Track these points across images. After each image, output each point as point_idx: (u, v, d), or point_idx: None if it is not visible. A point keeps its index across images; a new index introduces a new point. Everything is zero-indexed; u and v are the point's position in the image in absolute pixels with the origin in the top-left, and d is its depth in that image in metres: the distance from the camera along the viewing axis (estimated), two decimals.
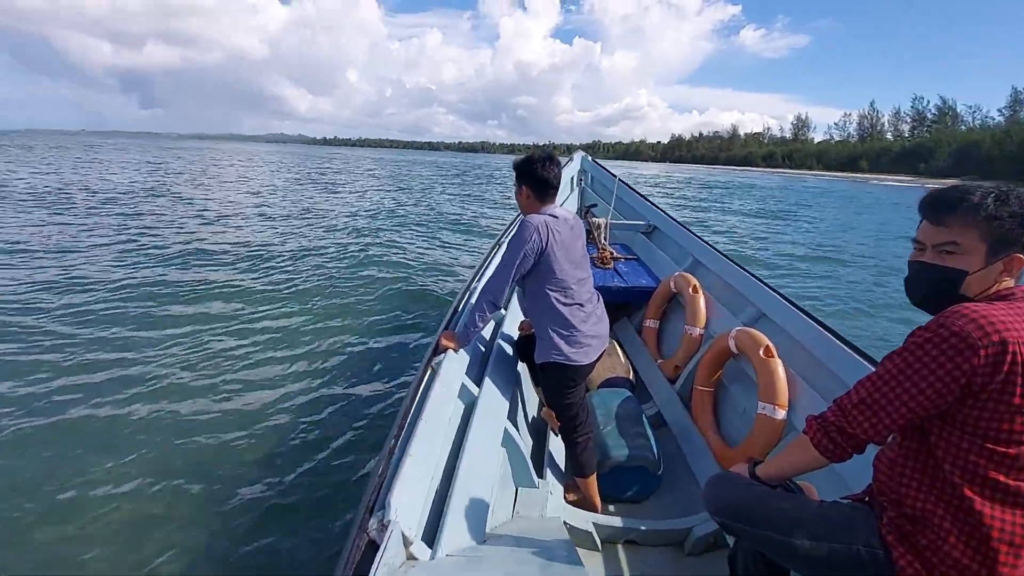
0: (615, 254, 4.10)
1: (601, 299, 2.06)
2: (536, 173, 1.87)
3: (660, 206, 4.45)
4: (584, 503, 2.04)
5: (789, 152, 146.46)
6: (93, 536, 2.22)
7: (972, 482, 0.93)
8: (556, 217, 1.88)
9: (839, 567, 1.06)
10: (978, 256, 0.98)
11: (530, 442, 2.31)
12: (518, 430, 2.09)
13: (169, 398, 3.30)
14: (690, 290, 3.06)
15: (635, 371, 3.09)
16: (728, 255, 3.27)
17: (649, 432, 2.30)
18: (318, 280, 6.35)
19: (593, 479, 2.03)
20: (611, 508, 2.13)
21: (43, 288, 5.32)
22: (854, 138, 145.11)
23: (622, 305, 3.77)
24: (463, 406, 1.84)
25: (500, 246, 3.07)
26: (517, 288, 1.98)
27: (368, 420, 3.21)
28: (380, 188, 21.87)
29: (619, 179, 4.89)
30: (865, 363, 1.84)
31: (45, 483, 2.50)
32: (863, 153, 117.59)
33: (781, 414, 2.02)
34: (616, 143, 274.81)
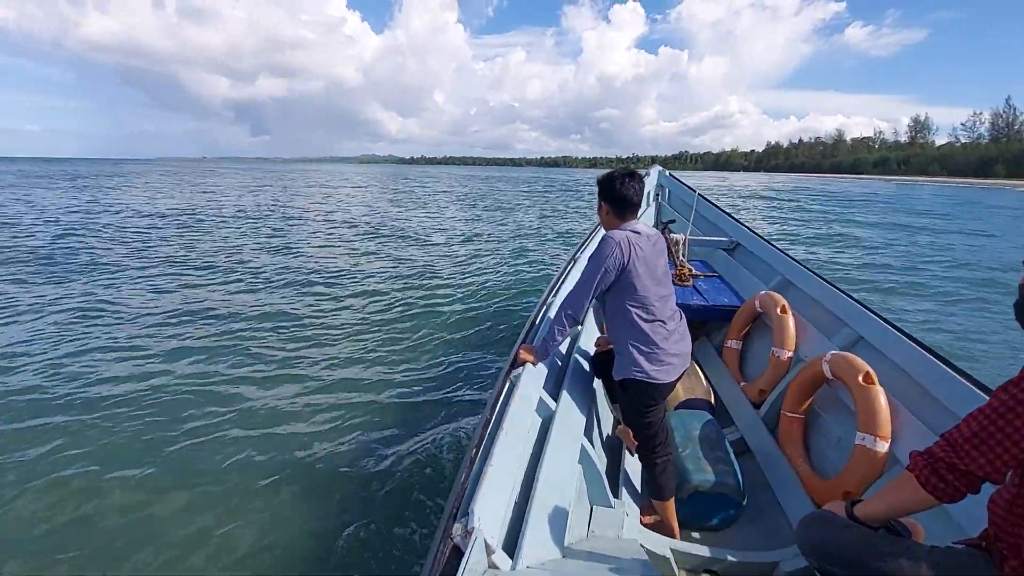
0: (694, 271, 3.98)
1: (684, 317, 2.01)
2: (615, 190, 1.87)
3: (744, 222, 4.27)
4: (661, 527, 1.99)
5: (905, 157, 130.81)
6: (189, 531, 2.48)
7: None
8: (638, 233, 1.86)
9: None
10: None
11: (605, 460, 2.30)
12: (593, 447, 2.09)
13: (262, 404, 3.68)
14: (778, 310, 2.91)
15: (715, 393, 2.97)
16: (821, 274, 3.07)
17: (732, 458, 2.21)
18: (399, 293, 6.78)
19: (671, 503, 1.98)
20: (690, 535, 2.06)
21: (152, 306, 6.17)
22: (984, 139, 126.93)
23: (701, 324, 3.64)
24: (540, 420, 1.88)
25: (576, 260, 3.10)
26: (595, 303, 1.99)
27: (446, 428, 3.37)
28: (462, 204, 22.78)
29: (699, 194, 4.76)
30: (979, 392, 1.68)
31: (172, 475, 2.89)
32: (998, 156, 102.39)
33: (883, 446, 1.87)
34: (704, 153, 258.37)
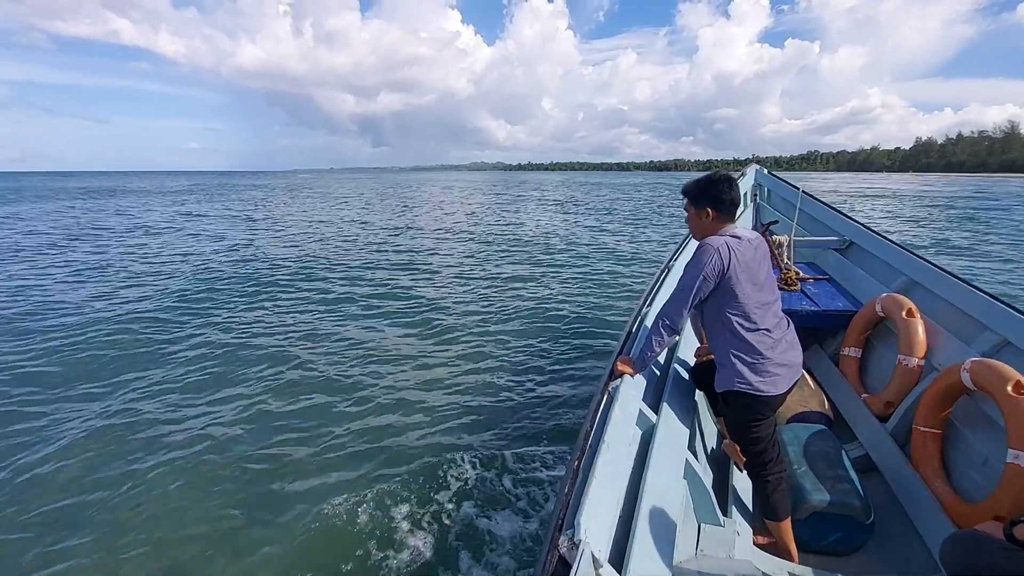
0: (801, 274, 3.73)
1: (792, 324, 1.90)
2: (723, 193, 1.83)
3: (858, 219, 3.92)
4: (776, 549, 1.91)
5: None
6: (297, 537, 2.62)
7: None
8: (739, 238, 1.78)
9: None
10: None
11: (711, 476, 2.25)
12: (699, 462, 2.05)
13: (365, 411, 3.95)
14: (904, 314, 2.66)
15: (832, 405, 2.77)
16: (953, 272, 2.75)
17: (853, 475, 2.07)
18: (495, 303, 7.00)
19: (788, 524, 1.90)
20: (810, 559, 1.95)
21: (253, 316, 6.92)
22: None
23: (812, 331, 3.40)
24: (640, 433, 1.87)
25: (669, 269, 3.06)
26: (693, 313, 1.95)
27: (544, 438, 3.47)
28: (565, 212, 22.53)
29: (803, 191, 4.47)
30: None
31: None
32: None
33: None
34: (838, 152, 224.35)
